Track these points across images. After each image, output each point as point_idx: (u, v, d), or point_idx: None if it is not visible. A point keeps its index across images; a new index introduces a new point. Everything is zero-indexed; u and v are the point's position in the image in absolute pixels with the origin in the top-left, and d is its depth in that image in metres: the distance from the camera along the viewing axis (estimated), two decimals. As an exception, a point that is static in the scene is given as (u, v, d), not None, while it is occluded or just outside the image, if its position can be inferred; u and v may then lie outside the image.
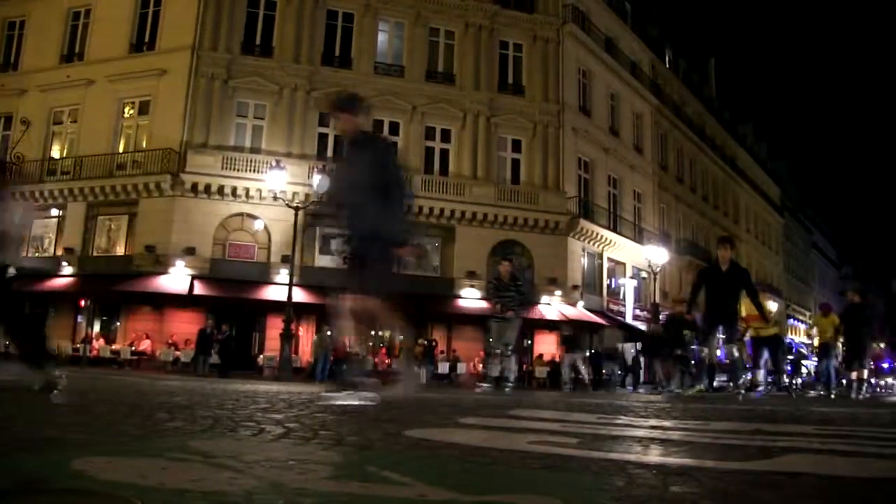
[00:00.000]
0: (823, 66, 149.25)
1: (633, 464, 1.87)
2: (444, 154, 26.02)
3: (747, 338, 12.01)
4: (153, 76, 24.25)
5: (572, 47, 28.56)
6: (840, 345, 13.27)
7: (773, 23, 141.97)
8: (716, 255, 8.35)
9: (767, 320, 11.34)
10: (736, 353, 8.07)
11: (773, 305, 15.12)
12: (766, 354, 11.97)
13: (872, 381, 14.37)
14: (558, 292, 25.36)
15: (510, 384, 9.99)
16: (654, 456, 2.10)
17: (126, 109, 25.13)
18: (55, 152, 25.77)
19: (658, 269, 26.30)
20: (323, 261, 23.92)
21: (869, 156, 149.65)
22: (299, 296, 20.45)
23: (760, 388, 11.23)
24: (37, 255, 25.03)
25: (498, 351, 9.91)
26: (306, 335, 23.51)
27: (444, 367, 22.63)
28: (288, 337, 17.82)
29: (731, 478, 1.68)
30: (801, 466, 1.93)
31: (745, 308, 11.24)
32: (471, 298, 24.53)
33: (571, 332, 16.06)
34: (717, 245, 8.61)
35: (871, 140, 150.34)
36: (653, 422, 3.66)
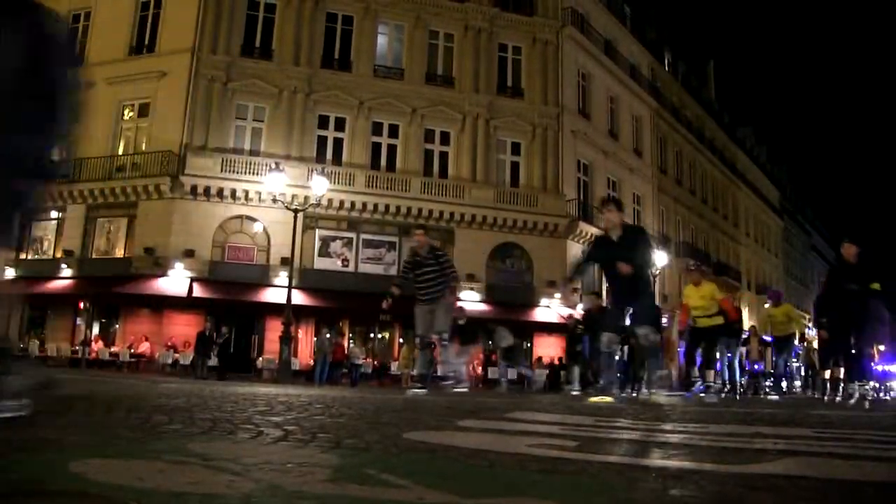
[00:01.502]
0: (823, 68, 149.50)
1: (632, 467, 1.86)
2: (444, 156, 26.04)
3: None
4: (153, 78, 24.28)
5: (571, 50, 28.61)
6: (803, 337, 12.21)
7: (773, 25, 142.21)
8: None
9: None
10: (653, 338, 6.20)
11: (768, 302, 12.79)
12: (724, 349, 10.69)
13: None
14: (557, 295, 25.37)
15: (456, 383, 8.36)
16: (653, 459, 2.10)
17: (125, 112, 25.15)
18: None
19: (657, 272, 26.29)
20: (322, 263, 23.95)
21: (868, 158, 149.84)
22: (298, 298, 20.45)
23: (698, 386, 9.91)
24: (36, 257, 25.05)
25: (428, 342, 8.21)
26: (305, 338, 23.51)
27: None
28: (287, 339, 17.80)
29: (730, 481, 1.68)
30: (801, 469, 1.92)
31: (698, 294, 9.81)
32: (470, 301, 24.52)
33: (465, 322, 14.19)
34: (600, 207, 6.77)
35: (870, 142, 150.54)
36: (651, 425, 3.66)
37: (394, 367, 22.63)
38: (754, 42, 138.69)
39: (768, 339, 12.27)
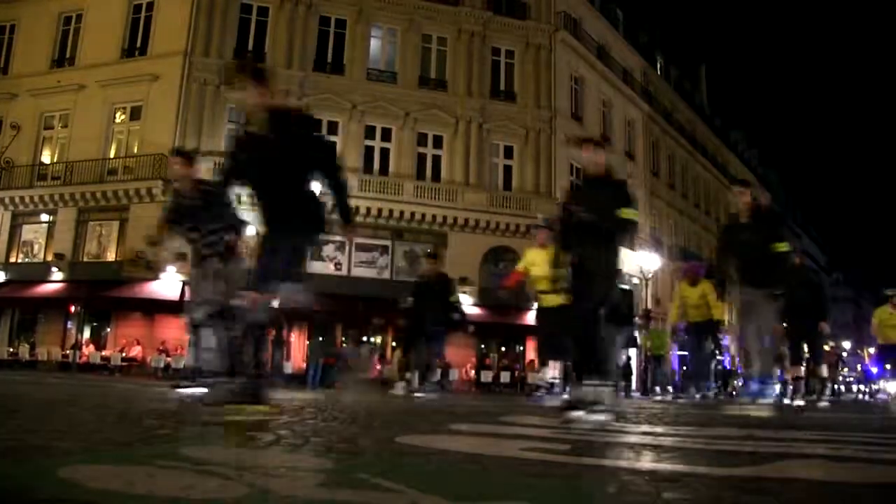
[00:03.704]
0: (815, 72, 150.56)
1: (625, 470, 1.86)
2: (437, 160, 26.04)
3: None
4: (145, 81, 24.18)
5: (564, 54, 28.70)
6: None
7: (765, 30, 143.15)
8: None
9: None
10: (360, 351, 3.75)
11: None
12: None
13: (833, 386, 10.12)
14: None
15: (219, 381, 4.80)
16: (646, 462, 2.10)
17: (117, 114, 25.03)
18: (46, 157, 25.64)
19: (650, 276, 26.37)
20: (315, 267, 23.90)
21: (859, 162, 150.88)
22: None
23: (539, 393, 7.73)
24: (26, 260, 24.89)
25: (197, 322, 5.43)
26: (298, 342, 23.43)
27: (436, 374, 22.57)
28: (279, 343, 17.74)
29: (724, 483, 1.68)
30: (794, 472, 1.93)
31: (544, 259, 6.98)
32: (463, 305, 24.50)
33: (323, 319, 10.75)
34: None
35: (861, 146, 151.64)
36: (644, 427, 3.67)
37: (387, 370, 22.59)
38: (746, 46, 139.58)
39: (681, 325, 9.52)
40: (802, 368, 8.70)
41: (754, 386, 5.30)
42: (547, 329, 7.43)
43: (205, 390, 5.09)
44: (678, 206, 37.74)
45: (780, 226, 5.85)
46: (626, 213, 4.47)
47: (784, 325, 8.32)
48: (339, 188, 3.92)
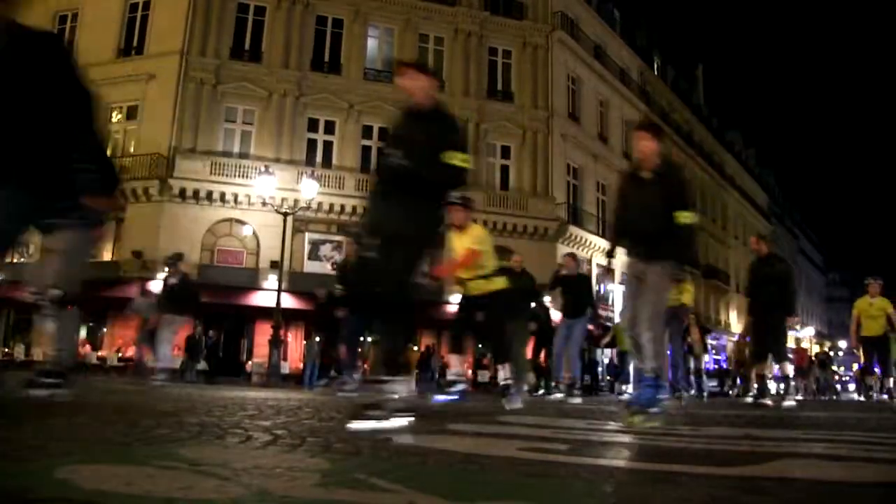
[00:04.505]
0: (811, 72, 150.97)
1: (623, 470, 1.86)
2: (434, 160, 26.04)
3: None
4: (141, 81, 24.14)
5: (561, 54, 28.73)
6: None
7: (762, 30, 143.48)
8: None
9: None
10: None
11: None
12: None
13: (794, 383, 9.12)
14: (547, 298, 25.37)
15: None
16: (644, 462, 2.10)
17: (114, 114, 24.97)
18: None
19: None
20: (312, 267, 23.87)
21: (856, 162, 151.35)
22: (288, 302, 20.35)
23: (456, 389, 6.41)
24: (22, 260, 24.81)
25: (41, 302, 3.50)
26: (295, 341, 23.40)
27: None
28: (277, 343, 17.72)
29: (721, 483, 1.68)
30: (791, 471, 1.93)
31: (469, 242, 6.00)
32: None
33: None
34: None
35: (858, 146, 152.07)
36: (644, 428, 3.67)
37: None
38: (743, 47, 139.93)
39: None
40: (767, 366, 8.37)
41: (644, 391, 4.24)
42: (464, 320, 6.41)
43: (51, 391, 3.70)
44: (675, 205, 37.78)
45: (686, 189, 4.47)
46: (452, 156, 3.36)
47: (752, 320, 8.16)
48: (94, 150, 2.90)
